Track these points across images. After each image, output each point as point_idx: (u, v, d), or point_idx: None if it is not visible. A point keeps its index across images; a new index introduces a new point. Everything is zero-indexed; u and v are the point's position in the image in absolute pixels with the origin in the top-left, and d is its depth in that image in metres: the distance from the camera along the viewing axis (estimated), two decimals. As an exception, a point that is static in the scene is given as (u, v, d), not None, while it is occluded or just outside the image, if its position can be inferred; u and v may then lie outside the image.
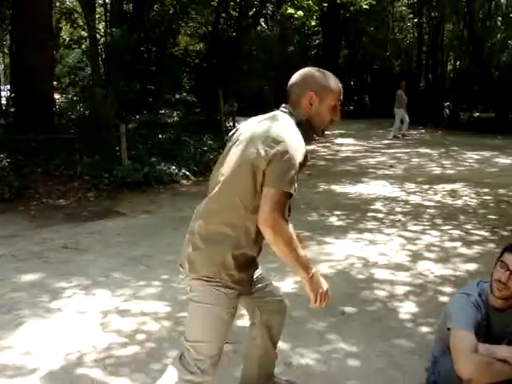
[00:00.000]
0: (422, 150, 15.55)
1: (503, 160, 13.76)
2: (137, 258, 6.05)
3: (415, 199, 9.08)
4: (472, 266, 5.70)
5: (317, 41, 31.71)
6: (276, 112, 2.65)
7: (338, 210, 8.23)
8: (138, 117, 12.83)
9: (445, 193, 9.52)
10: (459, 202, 8.80)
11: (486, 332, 2.87)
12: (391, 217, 7.88)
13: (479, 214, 8.06)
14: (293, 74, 2.69)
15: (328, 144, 16.72)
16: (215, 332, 2.58)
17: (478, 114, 25.98)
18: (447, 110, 24.92)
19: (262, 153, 2.41)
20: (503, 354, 2.63)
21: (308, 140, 2.59)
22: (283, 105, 2.66)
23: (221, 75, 16.59)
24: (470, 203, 8.74)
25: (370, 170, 11.95)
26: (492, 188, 9.85)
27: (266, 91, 25.05)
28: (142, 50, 15.74)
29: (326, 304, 2.60)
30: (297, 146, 2.45)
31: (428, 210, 8.25)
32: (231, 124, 18.05)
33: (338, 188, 9.95)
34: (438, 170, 12.19)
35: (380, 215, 7.98)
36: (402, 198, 9.19)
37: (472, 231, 7.09)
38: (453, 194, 9.45)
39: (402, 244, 6.52)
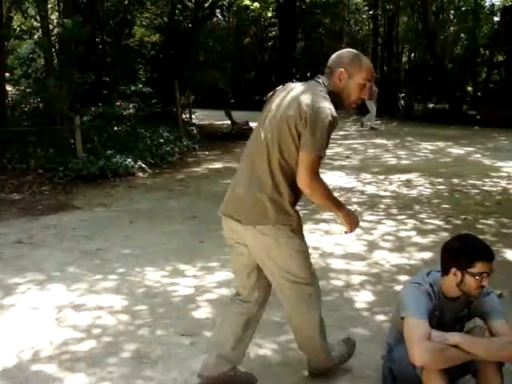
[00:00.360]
0: (378, 141, 15.74)
1: (456, 150, 14.01)
2: (92, 251, 5.97)
3: (371, 189, 9.18)
4: (427, 255, 5.79)
5: (273, 32, 31.73)
6: (311, 81, 3.02)
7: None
8: (92, 109, 12.62)
9: (400, 183, 9.65)
10: (414, 192, 8.93)
11: (439, 321, 2.92)
12: (347, 207, 7.92)
13: (433, 203, 8.19)
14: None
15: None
16: (308, 260, 3.12)
17: (432, 105, 26.41)
18: (402, 102, 25.27)
19: (298, 114, 2.78)
20: (455, 340, 2.69)
21: (336, 109, 2.87)
22: (318, 75, 3.03)
23: (177, 67, 16.50)
24: (424, 193, 8.88)
25: (327, 161, 11.96)
26: (446, 178, 10.03)
27: (223, 82, 24.98)
28: (97, 42, 15.49)
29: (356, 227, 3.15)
30: (328, 113, 2.76)
31: (383, 200, 8.36)
32: (187, 116, 17.99)
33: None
34: (393, 161, 12.35)
35: (336, 206, 8.02)
36: (357, 188, 9.29)
37: (426, 220, 7.20)
38: (408, 184, 9.58)
39: (357, 234, 6.56)
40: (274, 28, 31.04)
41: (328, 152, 10.60)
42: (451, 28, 28.30)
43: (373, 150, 13.94)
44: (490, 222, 7.22)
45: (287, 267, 2.99)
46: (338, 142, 15.43)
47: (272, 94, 3.12)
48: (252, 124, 16.03)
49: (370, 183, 9.71)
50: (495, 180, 10.02)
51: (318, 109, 2.75)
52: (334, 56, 3.03)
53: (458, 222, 7.17)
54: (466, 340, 2.71)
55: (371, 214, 7.52)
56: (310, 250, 5.81)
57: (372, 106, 18.77)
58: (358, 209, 7.80)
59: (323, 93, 2.86)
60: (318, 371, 3.41)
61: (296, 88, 2.96)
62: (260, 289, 3.18)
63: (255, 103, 27.19)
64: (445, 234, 6.47)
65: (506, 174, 10.71)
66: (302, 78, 34.64)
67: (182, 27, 18.21)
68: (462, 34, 29.15)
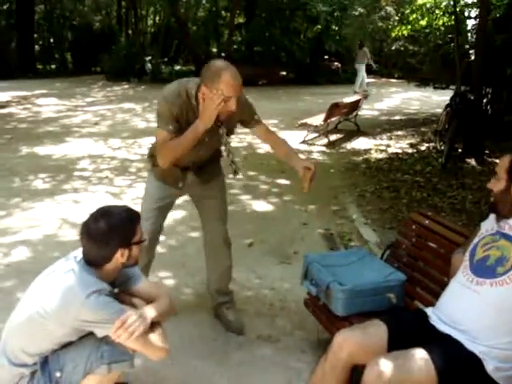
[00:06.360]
0: (126, 106, 15.54)
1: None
2: None
3: (121, 155, 9.06)
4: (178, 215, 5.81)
5: (9, -5, 29.54)
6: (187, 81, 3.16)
7: (42, 172, 7.82)
8: None
9: (150, 146, 9.60)
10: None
11: None
12: (98, 174, 7.75)
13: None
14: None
15: (28, 105, 15.69)
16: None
17: (179, 67, 26.78)
18: (149, 65, 25.13)
19: None
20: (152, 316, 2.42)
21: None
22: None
23: None
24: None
25: (75, 129, 11.53)
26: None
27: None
28: None
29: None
30: (159, 98, 3.27)
31: (134, 164, 8.34)
32: None
33: (41, 150, 9.41)
34: (142, 125, 12.26)
35: (86, 174, 7.80)
36: (107, 154, 9.09)
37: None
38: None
39: (108, 200, 6.43)
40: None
41: (76, 120, 10.20)
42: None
43: (121, 115, 13.74)
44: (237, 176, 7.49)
45: None
46: (85, 109, 14.92)
47: None
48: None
49: (119, 148, 9.59)
50: (241, 136, 10.42)
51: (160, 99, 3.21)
52: (204, 66, 2.99)
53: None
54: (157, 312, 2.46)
55: (123, 179, 7.50)
56: (61, 222, 5.62)
57: (360, 69, 19.29)
58: (110, 175, 7.69)
59: (176, 84, 3.16)
60: None
61: None
62: None
63: (-6, 72, 25.27)
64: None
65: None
66: (45, 44, 32.86)
67: None
68: (202, -4, 29.79)
